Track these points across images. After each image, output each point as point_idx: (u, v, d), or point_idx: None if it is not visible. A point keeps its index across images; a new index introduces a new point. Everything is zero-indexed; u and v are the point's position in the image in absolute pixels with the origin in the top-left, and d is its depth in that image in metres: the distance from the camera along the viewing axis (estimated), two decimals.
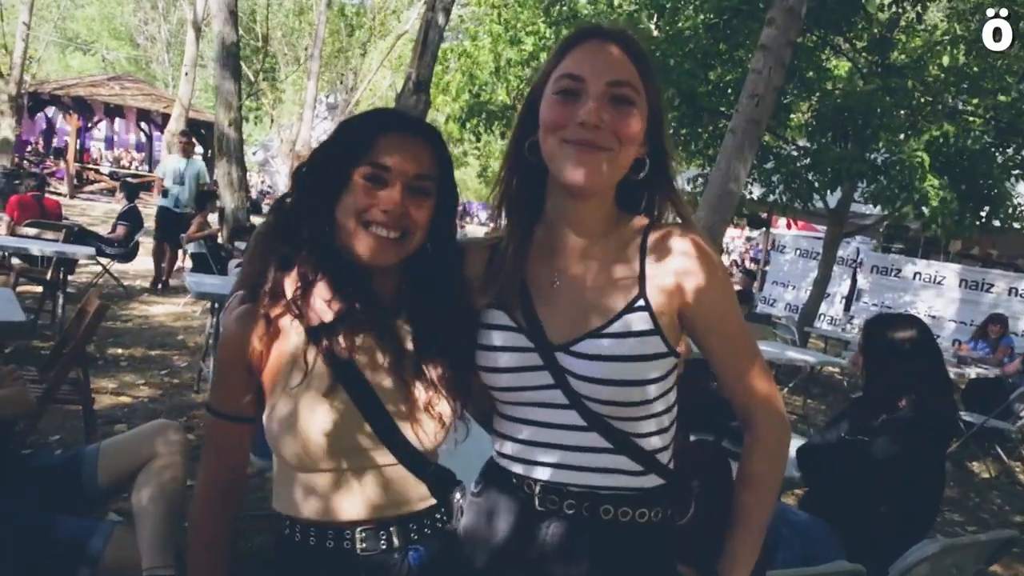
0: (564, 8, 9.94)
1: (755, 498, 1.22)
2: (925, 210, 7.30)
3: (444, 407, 1.21)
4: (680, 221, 1.23)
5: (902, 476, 2.40)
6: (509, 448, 1.21)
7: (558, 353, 1.14)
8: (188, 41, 18.28)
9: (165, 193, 8.80)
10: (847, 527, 2.43)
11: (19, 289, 6.64)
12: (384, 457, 1.18)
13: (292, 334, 1.16)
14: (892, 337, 2.54)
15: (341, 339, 1.15)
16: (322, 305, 1.15)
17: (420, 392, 1.20)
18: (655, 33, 8.87)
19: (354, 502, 1.18)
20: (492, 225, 1.34)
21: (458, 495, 1.29)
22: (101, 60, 37.08)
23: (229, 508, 1.25)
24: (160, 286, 8.56)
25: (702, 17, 8.10)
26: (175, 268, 8.93)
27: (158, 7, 31.94)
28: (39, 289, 6.49)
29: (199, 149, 14.58)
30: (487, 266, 1.24)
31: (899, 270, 12.26)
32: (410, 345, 1.22)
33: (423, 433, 1.20)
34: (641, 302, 1.14)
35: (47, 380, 3.34)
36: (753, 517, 1.21)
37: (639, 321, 1.13)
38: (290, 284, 1.16)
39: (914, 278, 11.99)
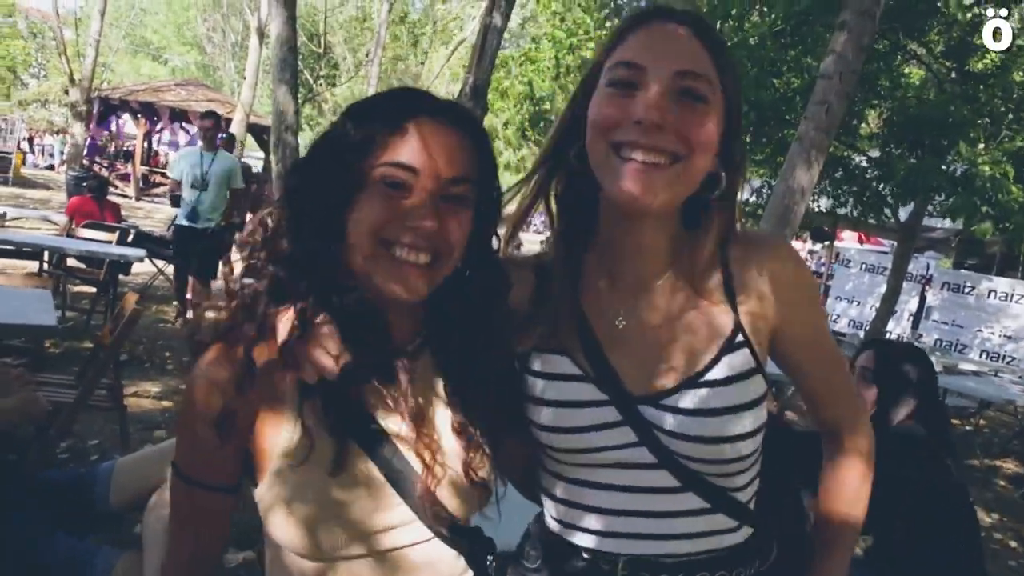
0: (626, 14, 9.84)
1: (847, 513, 1.13)
2: (1008, 224, 6.99)
3: (486, 467, 1.00)
4: (756, 229, 1.07)
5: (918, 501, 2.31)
6: (574, 517, 1.04)
7: (643, 407, 0.97)
8: (251, 47, 18.78)
9: (177, 201, 6.70)
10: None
11: (75, 290, 6.84)
12: (419, 533, 0.96)
13: (287, 386, 0.90)
14: (907, 367, 2.49)
15: (354, 394, 0.91)
16: (323, 352, 0.86)
17: (457, 451, 0.97)
18: None
19: None
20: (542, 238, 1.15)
21: (490, 559, 1.06)
22: (168, 66, 38.58)
23: None
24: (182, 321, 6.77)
25: (768, 22, 7.89)
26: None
27: (224, 14, 32.94)
28: (93, 290, 6.65)
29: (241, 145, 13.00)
30: (533, 296, 1.04)
31: (972, 287, 11.72)
32: (440, 393, 0.99)
33: (463, 501, 0.98)
34: (740, 337, 0.98)
35: (81, 384, 3.29)
36: (845, 534, 1.13)
37: (741, 361, 0.97)
38: (284, 323, 0.87)
39: (989, 296, 11.46)
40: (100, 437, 3.86)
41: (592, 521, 1.01)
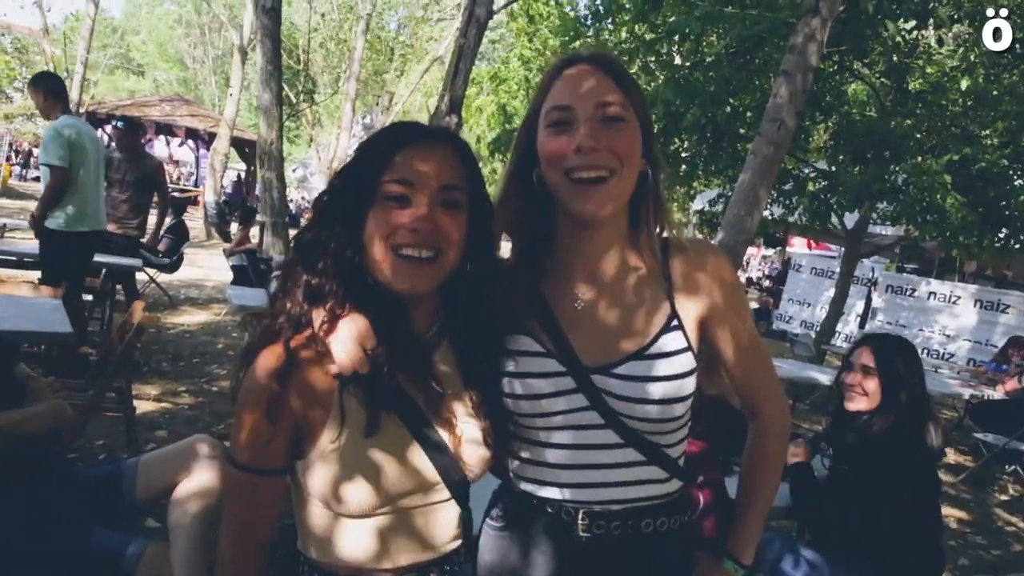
0: (589, 40, 10.20)
1: (764, 477, 1.31)
2: (946, 231, 7.37)
3: (493, 435, 1.16)
4: (698, 237, 1.29)
5: (895, 495, 2.39)
6: (536, 473, 1.20)
7: (595, 375, 1.14)
8: (234, 64, 19.04)
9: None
10: (852, 559, 2.43)
11: None
12: (440, 493, 1.12)
13: (329, 374, 1.05)
14: (907, 359, 2.59)
15: (386, 375, 1.05)
16: (354, 344, 1.04)
17: (473, 422, 1.14)
18: (677, 60, 9.13)
19: (405, 545, 1.11)
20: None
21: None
22: (153, 82, 38.64)
23: (264, 570, 1.11)
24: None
25: (724, 44, 8.32)
26: None
27: (206, 33, 33.15)
28: (89, 297, 6.77)
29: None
30: (497, 291, 1.22)
31: (914, 289, 12.31)
32: (457, 372, 1.16)
33: (477, 465, 1.15)
34: (675, 322, 1.17)
35: (93, 389, 3.42)
36: (762, 495, 1.30)
37: (675, 341, 1.16)
38: (319, 320, 1.05)
39: (929, 298, 12.03)
40: (106, 438, 3.99)
41: (550, 474, 1.18)
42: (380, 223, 1.06)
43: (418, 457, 1.08)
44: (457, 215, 1.09)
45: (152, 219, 7.32)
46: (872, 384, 2.56)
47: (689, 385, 1.16)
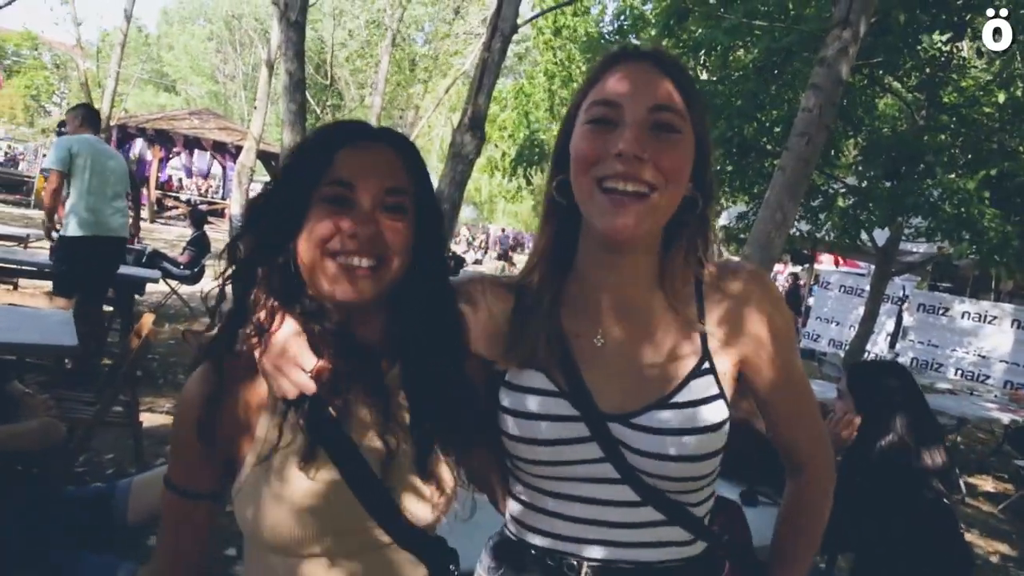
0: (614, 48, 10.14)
1: (805, 537, 1.17)
2: (983, 247, 7.14)
3: (446, 473, 1.04)
4: (736, 259, 1.11)
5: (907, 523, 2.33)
6: (539, 524, 1.06)
7: (612, 424, 1.00)
8: (261, 78, 19.30)
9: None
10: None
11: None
12: (379, 536, 1.00)
13: (261, 394, 0.98)
14: (883, 384, 2.52)
15: (320, 397, 0.94)
16: (292, 365, 0.93)
17: (418, 456, 1.02)
18: (703, 76, 9.02)
19: None
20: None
21: (452, 568, 1.09)
22: (184, 96, 39.53)
23: None
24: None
25: (751, 57, 8.21)
26: None
27: (236, 48, 33.77)
28: (108, 308, 6.91)
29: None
30: (514, 315, 1.07)
31: (947, 308, 11.95)
32: (403, 400, 1.04)
33: (423, 507, 1.02)
34: (706, 364, 1.02)
35: (100, 401, 3.40)
36: (801, 556, 1.17)
37: (706, 387, 1.01)
38: (251, 337, 0.96)
39: (963, 317, 11.65)
40: (116, 451, 3.96)
41: (553, 526, 1.04)
42: (316, 227, 0.95)
43: (347, 494, 0.96)
44: (401, 220, 0.99)
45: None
46: (850, 410, 2.51)
47: (719, 439, 1.00)
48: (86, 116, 5.44)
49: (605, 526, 1.01)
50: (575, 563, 1.02)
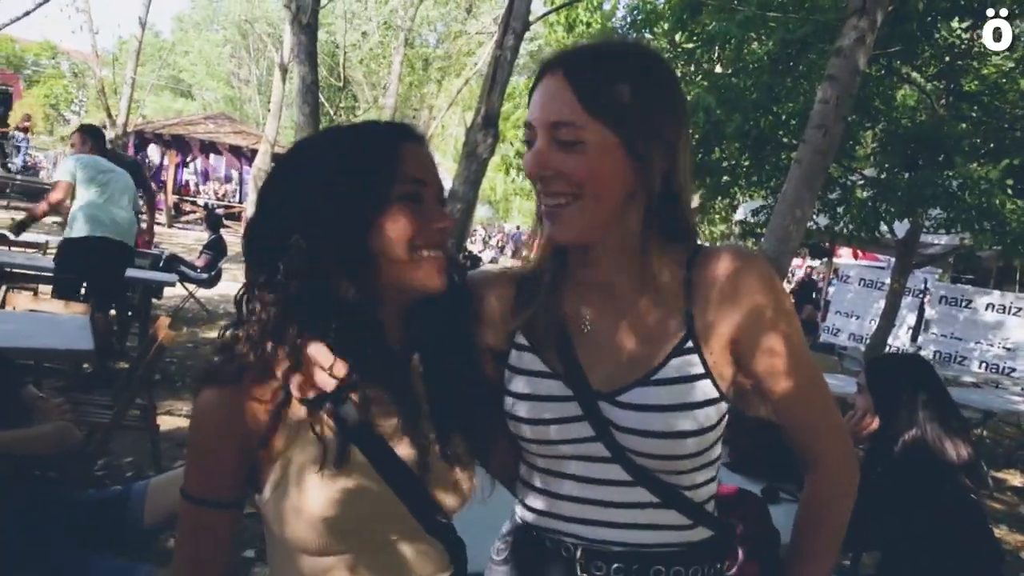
0: None
1: (823, 534, 1.13)
2: (1006, 237, 7.02)
3: (469, 462, 1.08)
4: (730, 243, 1.14)
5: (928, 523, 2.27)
6: (541, 504, 1.09)
7: (601, 403, 1.02)
8: (275, 82, 19.45)
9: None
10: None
11: (111, 312, 7.15)
12: (411, 528, 1.03)
13: (290, 400, 0.97)
14: (903, 378, 2.47)
15: (352, 399, 0.96)
16: (320, 372, 0.93)
17: (443, 448, 1.04)
18: (718, 69, 8.93)
19: None
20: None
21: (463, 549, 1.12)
22: (200, 101, 39.95)
23: None
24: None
25: (766, 49, 8.12)
26: None
27: (250, 52, 34.02)
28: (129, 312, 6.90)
29: None
30: (514, 302, 1.11)
31: (969, 301, 11.74)
32: (424, 394, 1.07)
33: (451, 496, 1.06)
34: (689, 344, 1.02)
35: (117, 405, 3.40)
36: (821, 554, 1.13)
37: (689, 365, 1.01)
38: (281, 363, 0.95)
39: (987, 309, 11.46)
40: (134, 455, 3.97)
41: (553, 506, 1.07)
42: (400, 225, 0.97)
43: (382, 490, 0.99)
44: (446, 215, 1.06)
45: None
46: (869, 406, 2.45)
47: (705, 417, 1.00)
48: (89, 135, 5.72)
49: (599, 505, 1.04)
50: (571, 545, 1.05)
